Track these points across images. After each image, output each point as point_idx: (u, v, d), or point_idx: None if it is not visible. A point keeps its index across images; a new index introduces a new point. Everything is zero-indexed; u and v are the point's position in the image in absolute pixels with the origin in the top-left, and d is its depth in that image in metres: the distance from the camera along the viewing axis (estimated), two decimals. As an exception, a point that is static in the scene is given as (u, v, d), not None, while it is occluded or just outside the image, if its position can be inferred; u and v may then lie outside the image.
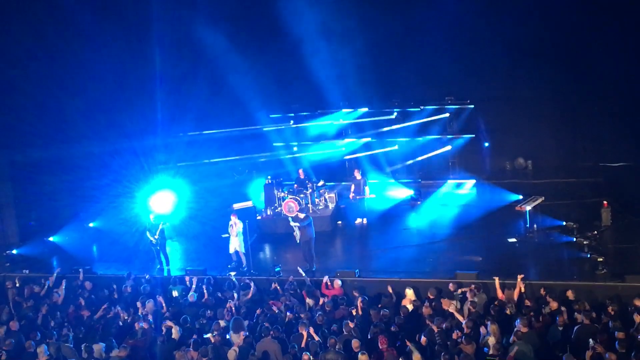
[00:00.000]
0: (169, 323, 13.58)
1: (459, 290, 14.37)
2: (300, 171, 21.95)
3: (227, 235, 18.89)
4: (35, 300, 15.95)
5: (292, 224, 17.63)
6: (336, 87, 23.56)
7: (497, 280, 14.23)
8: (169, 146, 23.53)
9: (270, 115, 25.07)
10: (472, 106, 23.21)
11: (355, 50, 22.14)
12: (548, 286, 14.27)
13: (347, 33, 22.08)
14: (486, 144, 24.13)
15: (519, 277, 14.07)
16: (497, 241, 18.13)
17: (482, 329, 12.18)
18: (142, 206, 21.01)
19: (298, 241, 17.61)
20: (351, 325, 12.65)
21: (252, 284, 15.40)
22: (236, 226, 18.02)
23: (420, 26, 22.17)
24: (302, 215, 17.85)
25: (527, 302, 13.59)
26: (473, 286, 14.24)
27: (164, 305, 14.86)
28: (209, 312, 14.27)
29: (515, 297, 13.85)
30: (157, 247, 18.46)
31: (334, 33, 22.21)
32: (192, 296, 15.15)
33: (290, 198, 20.83)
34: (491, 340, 11.81)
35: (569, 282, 14.76)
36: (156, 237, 18.34)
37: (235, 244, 18.01)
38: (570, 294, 13.79)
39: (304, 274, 15.87)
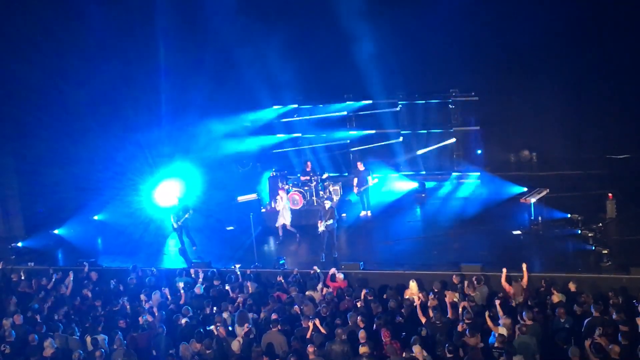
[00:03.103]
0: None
1: (466, 282, 14.31)
2: (309, 163, 21.82)
3: (231, 227, 18.87)
4: (44, 292, 15.97)
5: (325, 224, 17.45)
6: (340, 79, 23.50)
7: (504, 272, 14.09)
8: (173, 138, 23.50)
9: (274, 107, 25.00)
10: (477, 98, 23.11)
11: (360, 42, 22.06)
12: (552, 278, 14.26)
13: (352, 25, 21.98)
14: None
15: (524, 265, 13.99)
16: (501, 233, 18.11)
17: (487, 321, 12.19)
18: (147, 198, 20.99)
19: (320, 230, 17.58)
20: (360, 323, 12.49)
21: (249, 282, 15.31)
22: (283, 200, 18.81)
23: (425, 18, 22.07)
24: (327, 204, 17.94)
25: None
26: (474, 278, 14.24)
27: (169, 297, 14.92)
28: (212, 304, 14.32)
29: (524, 285, 13.81)
30: (178, 231, 18.74)
31: (339, 25, 22.11)
32: (198, 288, 15.13)
33: (295, 190, 20.76)
34: (501, 330, 11.82)
35: (574, 274, 14.71)
36: (179, 223, 18.60)
37: (284, 217, 18.68)
38: (572, 286, 13.77)
39: (318, 270, 15.65)
